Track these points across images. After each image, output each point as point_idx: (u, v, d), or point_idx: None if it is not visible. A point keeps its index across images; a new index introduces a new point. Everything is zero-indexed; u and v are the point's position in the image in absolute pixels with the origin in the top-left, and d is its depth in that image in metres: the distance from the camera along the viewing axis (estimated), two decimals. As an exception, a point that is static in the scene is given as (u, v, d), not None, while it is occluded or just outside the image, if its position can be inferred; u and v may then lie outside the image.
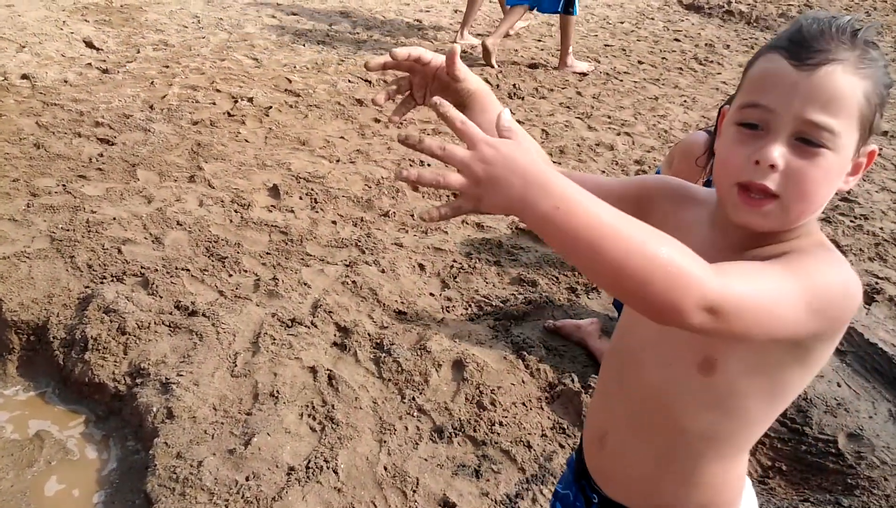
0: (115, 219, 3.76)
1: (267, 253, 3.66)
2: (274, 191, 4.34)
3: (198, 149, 4.83)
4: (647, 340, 1.13)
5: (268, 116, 5.65)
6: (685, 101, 6.92)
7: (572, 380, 2.88)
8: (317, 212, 4.16)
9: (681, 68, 7.94)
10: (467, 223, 4.11)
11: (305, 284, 3.42)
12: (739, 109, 0.99)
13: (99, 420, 2.81)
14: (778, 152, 0.94)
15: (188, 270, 3.39)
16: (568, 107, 6.51)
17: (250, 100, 5.89)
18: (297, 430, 2.51)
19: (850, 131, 0.95)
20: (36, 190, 4.04)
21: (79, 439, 2.73)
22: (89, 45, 7.08)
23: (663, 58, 8.25)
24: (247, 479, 2.24)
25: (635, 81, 7.34)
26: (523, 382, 2.85)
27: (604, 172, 5.16)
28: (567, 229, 0.80)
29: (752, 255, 1.01)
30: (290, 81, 6.51)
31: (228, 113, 5.60)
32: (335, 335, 3.07)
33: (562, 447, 2.60)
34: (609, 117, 6.30)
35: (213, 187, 4.30)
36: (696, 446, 1.10)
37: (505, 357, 2.98)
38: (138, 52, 6.97)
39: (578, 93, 6.85)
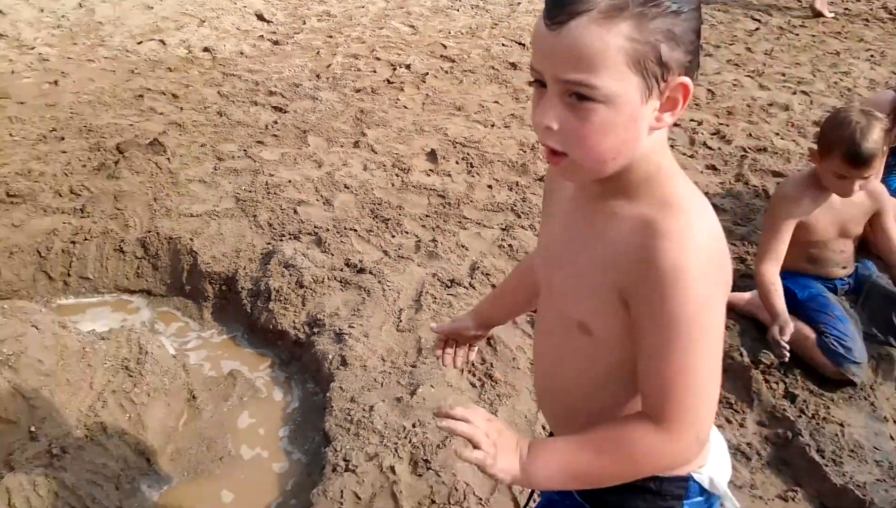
0: (290, 182, 4.08)
1: (426, 215, 3.81)
2: (432, 156, 4.49)
3: (361, 116, 5.08)
4: (542, 317, 1.27)
5: (424, 82, 5.80)
6: (872, 55, 6.30)
7: (741, 354, 2.80)
8: (473, 176, 4.26)
9: (867, 20, 7.22)
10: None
11: (463, 246, 3.54)
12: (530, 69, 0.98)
13: (282, 364, 3.11)
14: (549, 115, 0.93)
15: (356, 230, 3.62)
16: (736, 64, 6.15)
17: (408, 67, 6.08)
18: (459, 384, 2.64)
19: (621, 78, 0.89)
20: (221, 154, 4.44)
21: (266, 380, 3.05)
22: (260, 17, 7.58)
23: (846, 9, 7.53)
24: (413, 426, 2.40)
25: (813, 35, 6.78)
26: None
27: (777, 134, 4.85)
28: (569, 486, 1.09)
29: (609, 208, 1.02)
30: (445, 47, 6.63)
31: (388, 80, 5.82)
32: (493, 296, 3.17)
33: (728, 422, 2.55)
34: (783, 75, 5.89)
35: (376, 152, 4.52)
36: (604, 399, 1.14)
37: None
38: (304, 23, 7.37)
39: (748, 49, 6.44)
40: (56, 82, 5.68)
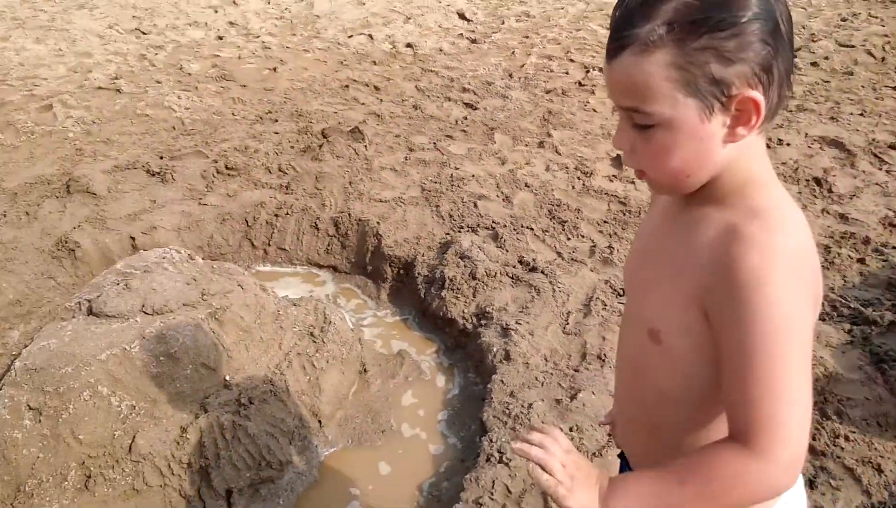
0: (473, 176, 4.19)
1: (605, 221, 3.75)
2: (617, 161, 4.40)
3: (548, 116, 5.09)
4: (624, 322, 1.23)
5: (617, 86, 5.69)
6: None
7: None
8: (658, 186, 4.12)
9: None
10: (827, 213, 3.72)
11: (640, 256, 3.44)
12: None
13: (447, 350, 3.22)
14: (622, 139, 0.97)
15: (532, 228, 3.65)
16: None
17: (601, 70, 6.00)
18: (621, 395, 2.58)
19: (674, 103, 0.90)
20: (412, 145, 4.67)
21: (430, 363, 3.17)
22: (462, 16, 7.83)
23: None
24: (570, 429, 2.39)
25: None
26: (880, 399, 2.53)
27: None
28: None
29: (696, 215, 1.01)
30: (642, 52, 6.45)
31: (579, 83, 5.78)
32: (666, 311, 3.05)
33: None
34: None
35: (560, 154, 4.51)
36: (674, 415, 1.09)
37: (860, 367, 2.67)
38: (503, 23, 7.52)
39: None
40: (275, 69, 6.26)
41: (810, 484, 2.22)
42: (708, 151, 0.94)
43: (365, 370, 3.08)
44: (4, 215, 3.88)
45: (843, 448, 2.34)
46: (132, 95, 5.77)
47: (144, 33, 7.53)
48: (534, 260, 3.37)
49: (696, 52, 0.88)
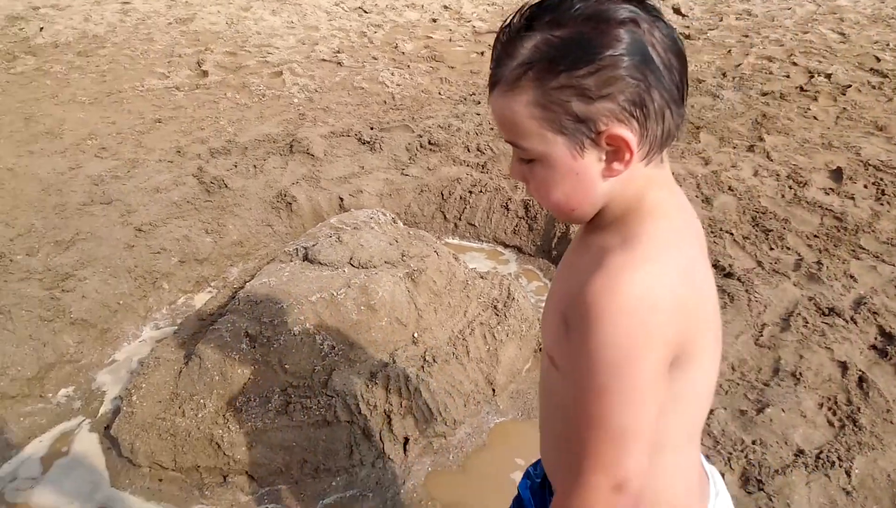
0: (673, 174, 4.07)
1: (815, 236, 3.50)
2: (836, 174, 4.07)
3: (762, 120, 4.81)
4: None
5: (844, 95, 5.24)
6: None
7: None
8: (882, 204, 3.76)
9: None
10: None
11: (852, 276, 3.18)
12: None
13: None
14: (513, 170, 0.98)
15: (731, 233, 3.49)
16: None
17: (828, 76, 5.54)
18: (814, 418, 2.43)
19: (543, 140, 0.89)
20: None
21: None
22: (677, 11, 7.56)
23: None
24: (753, 442, 2.29)
25: None
26: None
27: None
28: None
29: (586, 242, 1.00)
30: (878, 60, 5.87)
31: (801, 88, 5.39)
32: (876, 338, 2.81)
33: None
34: None
35: (771, 160, 4.25)
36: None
37: None
38: (721, 20, 7.16)
39: None
40: (482, 53, 6.45)
41: None
42: (587, 185, 0.92)
43: (540, 350, 3.14)
44: (236, 166, 4.38)
45: None
46: (351, 68, 6.22)
47: (366, 12, 8.07)
48: (730, 266, 3.23)
49: (556, 91, 0.86)
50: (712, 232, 3.50)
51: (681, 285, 0.88)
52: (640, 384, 0.86)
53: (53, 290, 3.13)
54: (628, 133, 0.87)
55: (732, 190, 3.91)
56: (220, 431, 2.46)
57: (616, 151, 0.89)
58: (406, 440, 2.60)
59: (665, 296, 0.86)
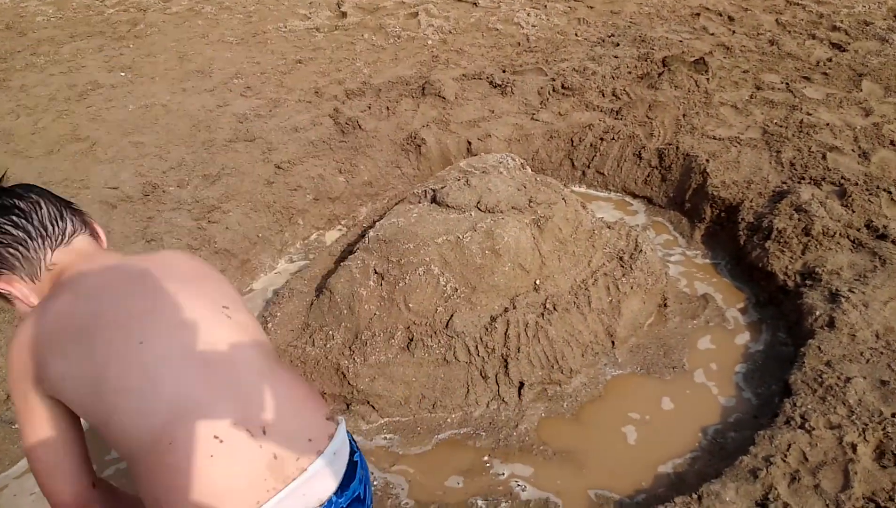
0: (827, 125, 3.75)
1: None
2: None
3: (939, 67, 4.30)
4: None
5: None
6: None
7: None
8: None
9: None
10: None
11: None
12: None
13: (758, 304, 3.04)
14: None
15: (890, 192, 3.19)
16: None
17: None
18: (969, 396, 2.22)
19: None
20: (761, 83, 4.30)
21: (736, 313, 3.03)
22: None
23: None
24: (893, 415, 2.13)
25: None
26: None
27: None
28: None
29: None
30: None
31: None
32: None
33: None
34: None
35: (946, 112, 3.81)
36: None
37: None
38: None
39: None
40: (624, -8, 6.14)
41: None
42: (25, 297, 1.31)
43: (665, 305, 3.06)
44: (370, 108, 4.48)
45: None
46: (486, 9, 6.13)
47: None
48: (884, 227, 2.96)
49: None
50: (868, 190, 3.22)
51: (33, 342, 1.22)
52: (33, 417, 1.22)
53: (201, 221, 3.39)
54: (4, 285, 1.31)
55: (895, 145, 3.55)
56: (346, 362, 2.61)
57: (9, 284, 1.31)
58: (521, 384, 2.64)
59: (26, 354, 1.21)
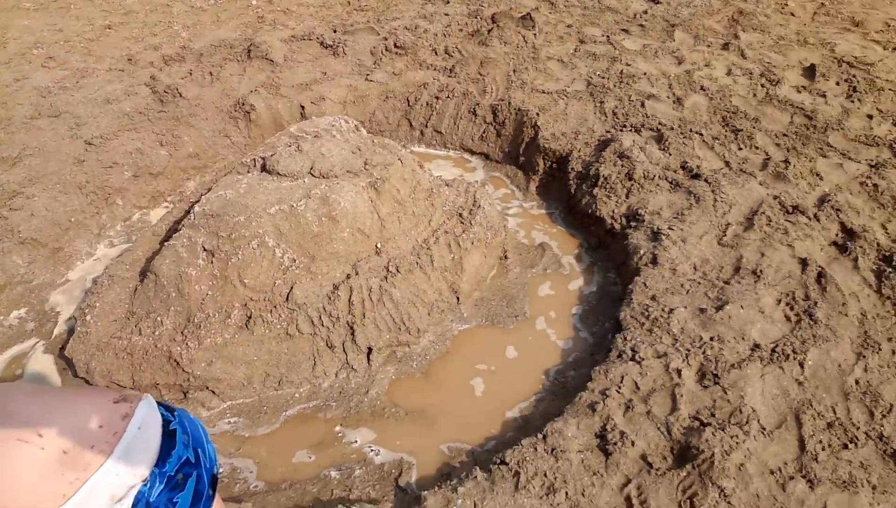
0: (645, 74, 3.96)
1: (784, 134, 3.45)
2: (809, 71, 3.98)
3: (738, 17, 4.65)
4: None
5: (824, -12, 5.07)
6: None
7: None
8: (853, 102, 3.70)
9: None
10: None
11: (818, 174, 3.15)
12: None
13: (590, 249, 3.18)
14: None
15: (701, 134, 3.43)
16: None
17: (807, -31, 5.34)
18: (771, 314, 2.45)
19: None
20: (584, 37, 4.46)
21: (570, 259, 3.15)
22: None
23: None
24: (711, 339, 2.31)
25: None
26: None
27: None
28: None
29: None
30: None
31: (780, -19, 5.20)
32: (837, 235, 2.81)
33: None
34: None
35: (745, 58, 4.14)
36: None
37: None
38: None
39: None
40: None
41: None
42: None
43: (506, 257, 3.12)
44: (191, 74, 4.18)
45: None
46: (312, -32, 5.89)
47: None
48: (698, 167, 3.19)
49: None
50: (682, 134, 3.44)
51: None
52: None
53: (0, 209, 3.02)
54: None
55: (705, 90, 3.81)
56: (179, 348, 2.44)
57: None
58: (370, 350, 2.60)
59: None
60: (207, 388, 2.46)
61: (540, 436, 2.06)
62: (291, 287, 2.57)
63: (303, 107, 3.96)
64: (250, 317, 2.52)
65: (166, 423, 1.29)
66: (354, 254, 2.71)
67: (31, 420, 1.16)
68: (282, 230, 2.59)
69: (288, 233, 2.60)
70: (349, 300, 2.59)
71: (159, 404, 1.32)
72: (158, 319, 2.50)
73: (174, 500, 1.24)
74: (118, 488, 1.16)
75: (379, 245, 2.78)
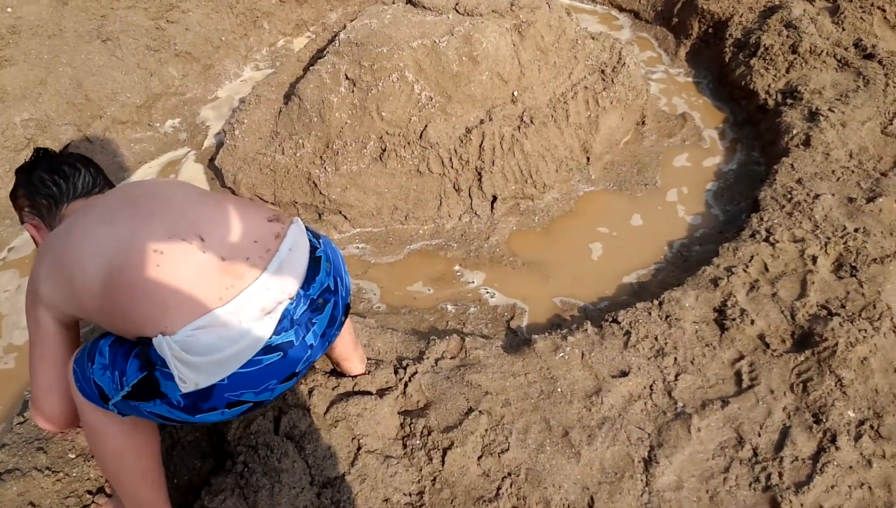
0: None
1: None
2: None
3: None
4: None
5: None
6: None
7: None
8: None
9: None
10: None
11: None
12: None
13: (736, 124, 3.00)
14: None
15: (884, 10, 3.06)
16: None
17: None
18: (929, 214, 2.28)
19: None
20: None
21: (713, 133, 3.00)
22: None
23: None
24: (855, 230, 2.19)
25: None
26: None
27: None
28: None
29: None
30: None
31: None
32: None
33: None
34: None
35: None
36: None
37: None
38: None
39: None
40: None
41: None
42: (41, 231, 1.54)
43: (643, 123, 3.01)
44: None
45: None
46: None
47: None
48: (873, 46, 2.88)
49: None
50: (862, 7, 3.08)
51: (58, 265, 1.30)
52: (42, 335, 1.36)
53: (158, 20, 3.15)
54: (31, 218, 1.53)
55: (897, -42, 3.36)
56: (318, 171, 2.56)
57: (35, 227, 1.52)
58: (494, 198, 2.63)
59: (46, 278, 1.31)
60: (340, 213, 2.59)
61: (656, 302, 2.07)
62: (426, 126, 2.60)
63: (449, -57, 3.80)
64: (384, 150, 2.59)
65: (313, 249, 1.38)
66: (490, 99, 2.69)
67: (195, 224, 1.26)
68: (422, 66, 2.59)
69: (427, 70, 2.59)
70: (480, 146, 2.60)
71: (307, 229, 1.42)
72: (300, 141, 2.61)
73: (313, 321, 1.33)
74: (268, 302, 1.25)
75: (516, 93, 2.73)
